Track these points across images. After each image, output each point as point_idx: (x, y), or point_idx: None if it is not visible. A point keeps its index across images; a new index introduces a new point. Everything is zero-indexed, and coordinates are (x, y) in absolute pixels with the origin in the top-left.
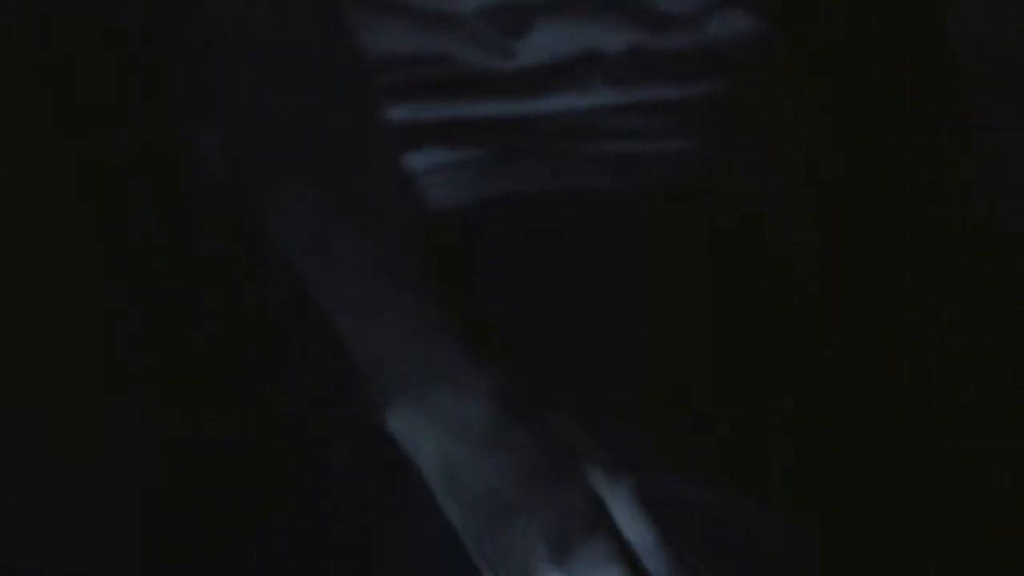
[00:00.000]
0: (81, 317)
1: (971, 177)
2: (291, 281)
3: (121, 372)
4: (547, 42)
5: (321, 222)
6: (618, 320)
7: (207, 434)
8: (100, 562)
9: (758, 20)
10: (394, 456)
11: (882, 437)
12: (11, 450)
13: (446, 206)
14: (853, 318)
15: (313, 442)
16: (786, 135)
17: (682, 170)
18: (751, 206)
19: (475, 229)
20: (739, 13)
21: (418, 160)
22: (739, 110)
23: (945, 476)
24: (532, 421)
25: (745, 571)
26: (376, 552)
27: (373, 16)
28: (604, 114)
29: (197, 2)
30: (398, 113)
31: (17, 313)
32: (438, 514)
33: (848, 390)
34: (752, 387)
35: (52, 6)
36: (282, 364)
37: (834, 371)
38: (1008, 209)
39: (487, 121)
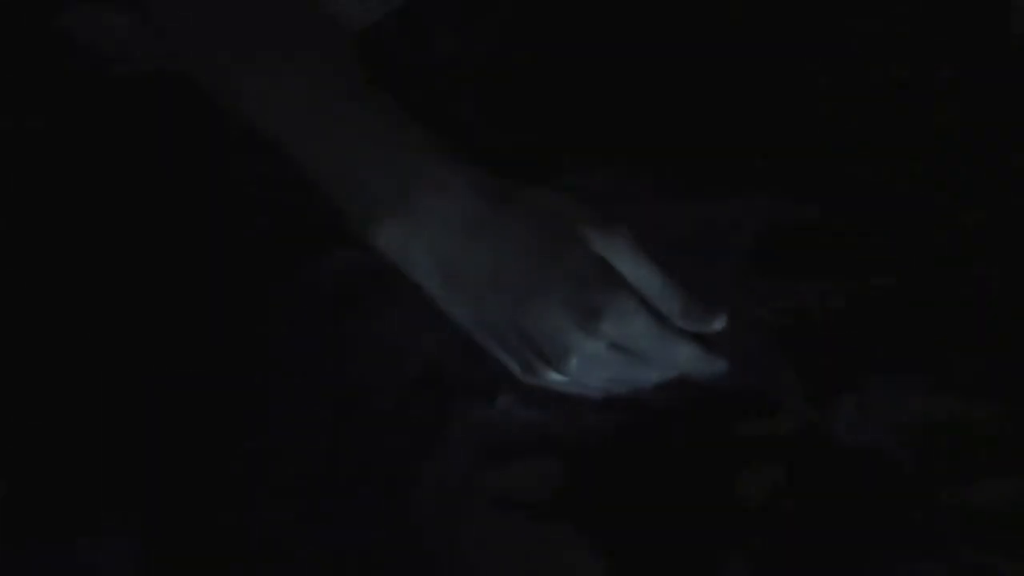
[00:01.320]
0: (81, 316)
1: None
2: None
3: (121, 372)
4: None
5: (256, 67)
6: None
7: (207, 433)
8: (100, 562)
9: None
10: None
11: None
12: (11, 450)
13: (365, 22)
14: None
15: (314, 443)
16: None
17: None
18: None
19: (404, 36)
20: None
21: None
22: None
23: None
24: (518, 201)
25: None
26: (377, 555)
27: None
28: None
29: None
30: None
31: (17, 312)
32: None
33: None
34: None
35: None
36: (283, 364)
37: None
38: None
39: None
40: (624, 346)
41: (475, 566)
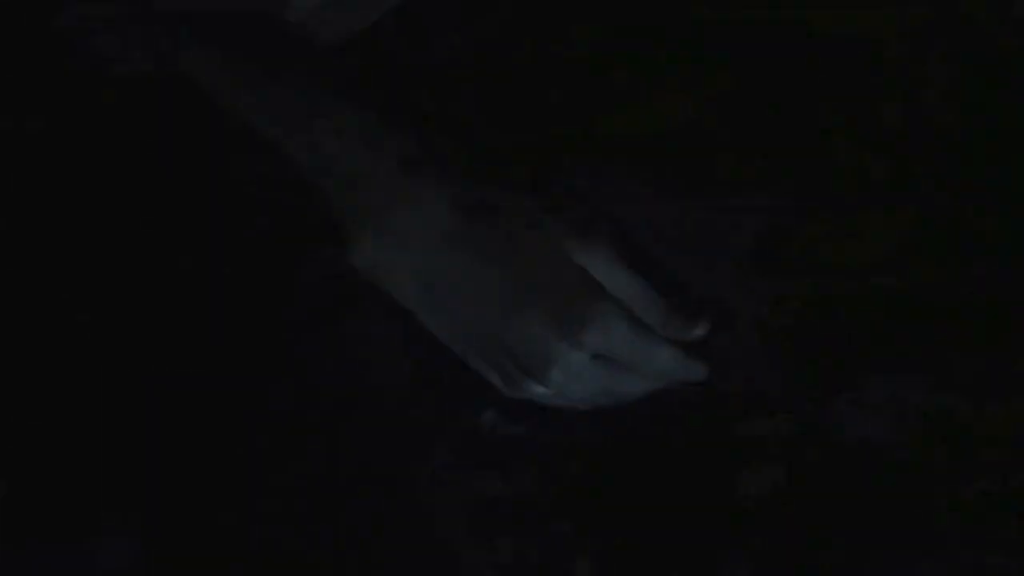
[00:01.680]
0: (81, 316)
1: None
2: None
3: (121, 372)
4: None
5: (245, 77)
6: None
7: (207, 433)
8: (100, 562)
9: None
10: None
11: None
12: (11, 450)
13: (364, 22)
14: None
15: (314, 443)
16: None
17: None
18: None
19: (403, 36)
20: None
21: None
22: None
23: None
24: (496, 214)
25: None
26: (376, 555)
27: None
28: None
29: None
30: None
31: (17, 312)
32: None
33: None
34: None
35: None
36: (283, 364)
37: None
38: None
39: None
40: (608, 356)
41: (474, 566)
